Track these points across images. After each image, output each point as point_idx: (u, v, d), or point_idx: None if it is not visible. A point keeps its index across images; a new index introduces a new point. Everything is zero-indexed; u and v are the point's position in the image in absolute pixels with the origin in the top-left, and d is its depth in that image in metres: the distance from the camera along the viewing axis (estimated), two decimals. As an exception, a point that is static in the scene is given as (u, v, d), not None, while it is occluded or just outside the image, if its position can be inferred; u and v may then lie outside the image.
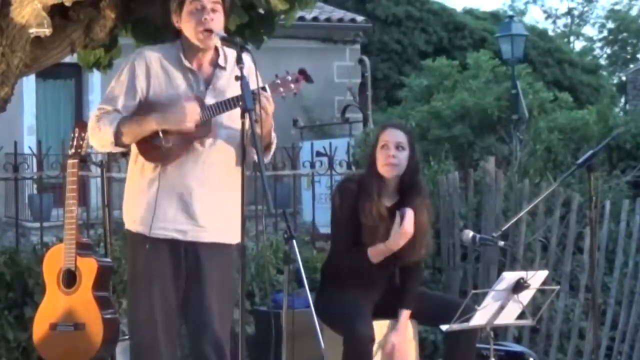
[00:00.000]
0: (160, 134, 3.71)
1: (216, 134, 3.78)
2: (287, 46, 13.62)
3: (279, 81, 3.78)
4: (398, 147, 4.43)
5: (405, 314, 4.46)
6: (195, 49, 3.79)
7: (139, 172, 3.82)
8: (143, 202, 3.78)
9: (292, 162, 8.41)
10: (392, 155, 4.41)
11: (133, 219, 3.83)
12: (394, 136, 4.45)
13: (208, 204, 3.79)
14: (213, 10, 3.74)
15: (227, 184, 3.82)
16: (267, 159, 3.90)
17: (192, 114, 3.69)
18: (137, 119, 3.74)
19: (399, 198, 4.49)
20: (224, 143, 3.80)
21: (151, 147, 3.74)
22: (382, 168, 4.44)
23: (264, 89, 3.71)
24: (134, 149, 3.83)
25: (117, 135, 3.73)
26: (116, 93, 3.80)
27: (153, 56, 3.81)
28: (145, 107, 3.77)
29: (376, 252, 4.40)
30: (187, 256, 3.79)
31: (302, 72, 3.81)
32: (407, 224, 4.36)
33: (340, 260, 4.51)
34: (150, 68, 3.78)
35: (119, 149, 3.81)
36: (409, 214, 4.38)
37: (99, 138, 3.79)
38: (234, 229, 3.65)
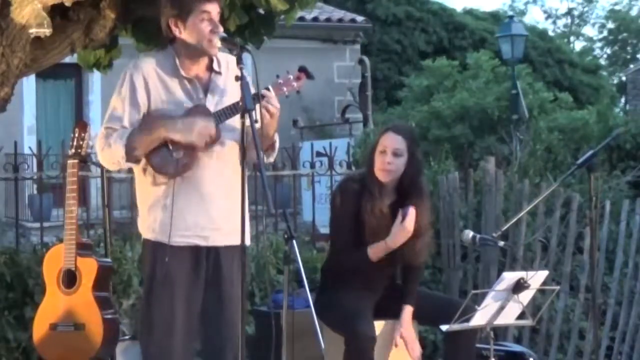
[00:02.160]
0: (170, 146, 3.71)
1: (223, 135, 3.78)
2: (287, 46, 13.62)
3: (281, 81, 3.79)
4: (395, 153, 4.42)
5: (408, 309, 4.46)
6: (194, 56, 3.78)
7: (150, 183, 3.79)
8: (160, 211, 3.76)
9: (292, 162, 8.41)
10: (388, 162, 4.41)
11: (152, 228, 3.80)
12: (393, 142, 4.42)
13: (224, 206, 3.79)
14: (218, 19, 3.75)
15: (236, 184, 3.82)
16: (272, 159, 3.90)
17: (205, 133, 3.69)
18: (147, 129, 3.71)
19: (397, 197, 4.49)
20: (231, 143, 3.80)
21: (163, 160, 3.72)
22: (378, 172, 4.44)
23: (267, 89, 3.72)
24: (138, 165, 3.80)
25: (129, 149, 3.69)
26: (119, 110, 3.76)
27: (149, 67, 3.78)
28: (149, 120, 3.76)
29: (376, 250, 4.41)
30: (207, 260, 3.79)
31: (303, 69, 3.83)
32: (407, 222, 4.36)
33: (341, 260, 4.51)
34: (148, 80, 3.75)
35: (129, 164, 3.78)
36: (411, 212, 4.38)
37: (110, 155, 3.75)
38: (247, 229, 3.68)
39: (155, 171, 3.75)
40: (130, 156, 3.72)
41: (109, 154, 3.75)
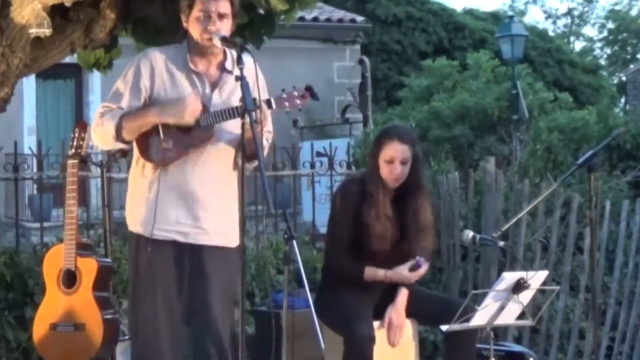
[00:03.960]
0: (161, 134, 3.71)
1: (218, 138, 3.77)
2: (288, 46, 13.62)
3: (284, 95, 3.78)
4: (403, 162, 4.42)
5: (403, 291, 4.46)
6: (203, 52, 3.78)
7: (140, 173, 3.82)
8: (144, 203, 3.78)
9: (292, 163, 8.41)
10: (398, 172, 4.41)
11: (135, 220, 3.83)
12: (401, 152, 4.41)
13: (210, 207, 3.78)
14: (221, 16, 3.73)
15: (228, 187, 3.82)
16: (254, 164, 3.83)
17: (192, 108, 3.68)
18: (138, 112, 3.74)
19: (396, 194, 4.49)
20: (225, 147, 3.80)
21: (151, 147, 3.74)
22: (387, 180, 4.43)
23: (269, 102, 3.72)
24: (135, 150, 3.83)
25: (119, 129, 3.71)
26: (121, 92, 3.79)
27: (158, 57, 3.80)
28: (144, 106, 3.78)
29: (373, 275, 4.43)
30: (191, 258, 3.77)
31: (309, 88, 3.82)
32: (414, 275, 4.41)
33: (336, 268, 4.51)
34: (154, 68, 3.77)
35: (119, 145, 3.80)
36: (422, 269, 4.42)
37: (101, 133, 3.77)
38: (236, 232, 3.67)
39: (141, 155, 3.77)
40: (119, 136, 3.73)
41: (101, 131, 3.77)
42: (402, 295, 4.46)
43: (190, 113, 3.68)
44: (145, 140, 3.76)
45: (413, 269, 4.41)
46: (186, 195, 3.76)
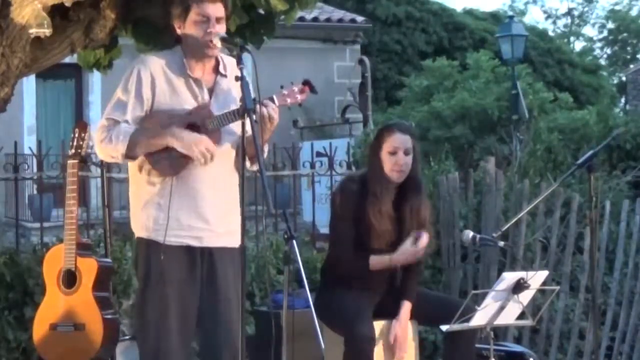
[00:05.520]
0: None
1: (221, 139, 3.78)
2: (288, 46, 13.64)
3: (285, 92, 3.80)
4: (406, 152, 4.43)
5: (407, 305, 4.45)
6: (198, 57, 3.79)
7: (145, 181, 3.80)
8: (154, 209, 3.76)
9: (292, 163, 8.41)
10: (403, 162, 4.41)
11: (145, 227, 3.80)
12: (403, 142, 4.42)
13: (218, 207, 3.80)
14: (218, 20, 3.74)
15: (232, 188, 3.83)
16: (255, 167, 3.85)
17: (203, 146, 3.69)
18: (152, 134, 3.73)
19: (396, 194, 4.49)
20: (228, 148, 3.82)
21: (162, 160, 3.74)
22: (392, 173, 4.42)
23: (271, 99, 3.73)
24: (134, 162, 3.81)
25: (130, 148, 3.71)
26: (124, 103, 3.77)
27: (156, 65, 3.79)
28: (151, 117, 3.77)
29: (379, 262, 4.41)
30: (202, 260, 3.79)
31: (307, 82, 3.84)
32: (419, 247, 4.38)
33: (341, 264, 4.50)
34: (154, 78, 3.77)
35: (128, 161, 3.80)
36: (424, 238, 4.39)
37: (110, 150, 3.75)
38: (239, 231, 3.69)
39: (153, 167, 3.75)
40: (131, 154, 3.73)
41: (110, 149, 3.75)
42: (406, 308, 4.46)
43: (199, 151, 3.68)
44: (154, 153, 3.75)
45: (414, 243, 4.39)
46: (197, 199, 3.76)
